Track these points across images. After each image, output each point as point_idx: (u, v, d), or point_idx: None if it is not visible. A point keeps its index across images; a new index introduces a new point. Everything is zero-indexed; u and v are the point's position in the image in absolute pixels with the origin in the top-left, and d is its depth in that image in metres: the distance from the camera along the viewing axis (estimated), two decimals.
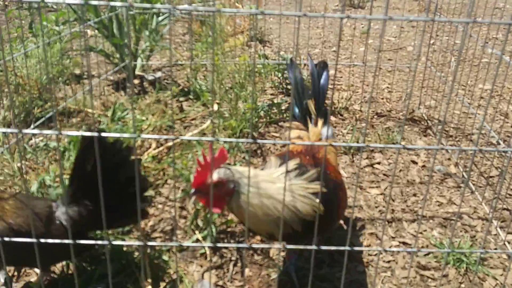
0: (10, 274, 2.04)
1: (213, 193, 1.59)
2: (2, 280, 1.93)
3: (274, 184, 1.68)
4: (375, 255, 2.28)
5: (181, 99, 3.93)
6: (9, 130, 1.33)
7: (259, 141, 1.43)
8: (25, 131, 1.36)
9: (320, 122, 2.21)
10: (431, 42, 4.35)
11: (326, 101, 2.32)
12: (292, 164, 1.80)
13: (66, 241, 1.34)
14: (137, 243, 1.42)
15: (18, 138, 1.60)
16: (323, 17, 1.40)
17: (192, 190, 1.64)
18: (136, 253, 2.10)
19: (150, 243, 1.35)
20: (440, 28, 4.88)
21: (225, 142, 1.68)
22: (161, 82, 4.21)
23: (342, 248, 1.85)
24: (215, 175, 1.61)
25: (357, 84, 4.27)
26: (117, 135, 1.35)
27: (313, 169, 1.78)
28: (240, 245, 1.44)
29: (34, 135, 2.93)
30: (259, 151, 3.08)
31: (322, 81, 2.29)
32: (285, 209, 1.66)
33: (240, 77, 3.63)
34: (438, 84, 3.87)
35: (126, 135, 1.31)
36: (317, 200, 1.68)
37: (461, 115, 3.60)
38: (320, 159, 1.89)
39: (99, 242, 1.50)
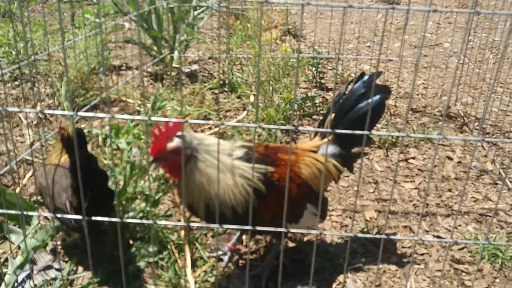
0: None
1: (172, 160, 1.66)
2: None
3: (229, 159, 1.73)
4: (409, 247, 2.29)
5: (216, 91, 4.00)
6: (65, 112, 1.41)
7: (300, 128, 1.48)
8: (80, 113, 1.44)
9: (319, 137, 2.05)
10: (469, 38, 4.30)
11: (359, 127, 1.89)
12: (244, 151, 1.80)
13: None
14: (180, 223, 1.49)
15: (73, 122, 1.70)
16: (368, 8, 1.43)
17: (151, 159, 1.69)
18: (174, 237, 2.18)
19: (192, 224, 1.42)
20: (478, 25, 4.81)
21: (266, 129, 1.73)
22: (197, 74, 4.29)
23: (378, 236, 1.88)
24: (172, 143, 1.66)
25: (392, 80, 4.25)
26: (165, 119, 1.41)
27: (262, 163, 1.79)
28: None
29: (87, 118, 3.05)
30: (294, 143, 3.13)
31: (361, 104, 1.99)
32: (235, 189, 1.71)
33: (278, 69, 3.67)
34: (475, 81, 3.82)
35: (174, 120, 1.37)
36: (249, 190, 1.72)
37: (498, 112, 3.56)
38: (281, 159, 1.84)
39: (145, 221, 1.57)
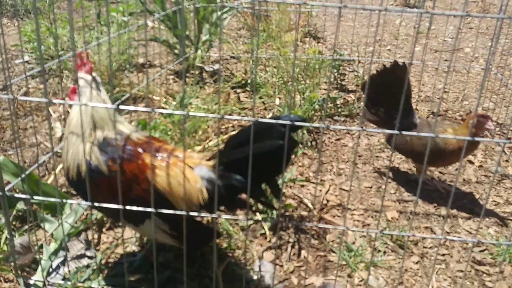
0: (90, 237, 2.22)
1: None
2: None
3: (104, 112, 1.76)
4: (430, 247, 2.33)
5: (238, 90, 4.06)
6: (108, 105, 1.47)
7: (331, 126, 1.54)
8: (122, 107, 1.52)
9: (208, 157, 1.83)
10: (491, 44, 4.31)
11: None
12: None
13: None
14: (209, 215, 1.54)
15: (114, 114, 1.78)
16: (404, 12, 1.48)
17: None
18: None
19: (223, 216, 1.48)
20: (500, 31, 4.81)
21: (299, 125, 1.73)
22: (219, 73, 4.36)
23: (403, 233, 1.93)
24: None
25: (413, 83, 4.27)
26: (203, 115, 1.48)
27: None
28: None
29: (130, 111, 3.18)
30: (314, 143, 3.18)
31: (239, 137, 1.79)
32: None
33: (300, 70, 3.72)
34: (498, 86, 3.84)
35: (211, 115, 1.44)
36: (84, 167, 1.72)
37: None
38: (144, 158, 1.75)
39: (177, 212, 1.63)
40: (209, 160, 1.81)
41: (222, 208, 1.88)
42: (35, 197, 1.81)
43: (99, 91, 1.79)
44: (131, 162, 1.73)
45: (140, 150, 1.76)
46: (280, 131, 1.60)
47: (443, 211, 2.61)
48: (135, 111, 2.96)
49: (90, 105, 1.72)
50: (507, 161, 3.09)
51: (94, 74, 1.80)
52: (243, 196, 1.79)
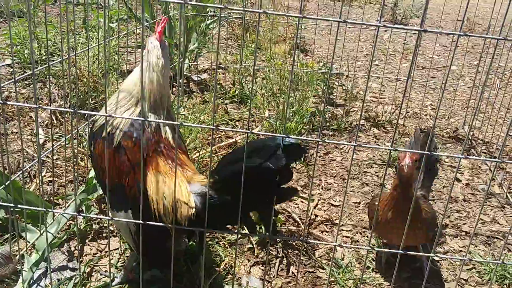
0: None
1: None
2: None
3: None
4: (417, 264, 2.31)
5: (226, 101, 4.03)
6: (99, 114, 1.43)
7: (326, 140, 1.51)
8: (114, 115, 1.47)
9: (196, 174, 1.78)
10: (476, 63, 4.37)
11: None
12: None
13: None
14: (197, 229, 1.50)
15: (107, 121, 1.70)
16: (400, 29, 1.47)
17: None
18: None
19: (209, 230, 1.43)
20: (485, 50, 4.88)
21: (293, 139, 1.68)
22: (206, 83, 4.32)
23: (395, 251, 1.90)
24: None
25: (400, 99, 4.30)
26: (197, 125, 1.44)
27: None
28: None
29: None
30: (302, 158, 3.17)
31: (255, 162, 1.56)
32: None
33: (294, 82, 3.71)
34: (483, 105, 3.88)
35: (204, 126, 1.40)
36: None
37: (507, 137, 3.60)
38: (158, 162, 1.71)
39: (160, 224, 1.59)
40: (202, 176, 1.74)
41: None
42: (19, 206, 1.74)
43: (165, 58, 1.75)
44: (150, 157, 1.69)
45: (159, 148, 1.72)
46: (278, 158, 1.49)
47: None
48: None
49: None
50: (493, 179, 3.12)
51: (163, 38, 1.76)
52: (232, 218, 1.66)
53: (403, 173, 1.90)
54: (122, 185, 1.67)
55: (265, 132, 3.48)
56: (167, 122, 1.69)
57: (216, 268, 2.14)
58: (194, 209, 1.63)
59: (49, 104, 3.04)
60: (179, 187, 1.64)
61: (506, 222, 2.71)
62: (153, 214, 1.64)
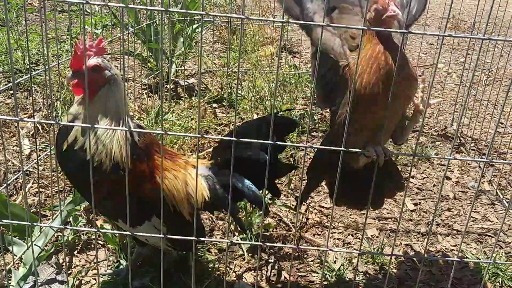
0: None
1: (89, 77, 1.51)
2: None
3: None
4: (409, 264, 2.30)
5: (214, 105, 4.01)
6: (84, 125, 1.40)
7: (314, 146, 1.50)
8: (97, 126, 1.44)
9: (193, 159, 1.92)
10: (462, 60, 4.39)
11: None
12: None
13: None
14: (188, 237, 1.48)
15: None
16: (385, 31, 1.46)
17: (70, 73, 1.65)
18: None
19: (202, 239, 1.42)
20: (471, 47, 4.91)
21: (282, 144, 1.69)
22: (194, 88, 4.30)
23: (387, 254, 1.89)
24: (94, 60, 1.65)
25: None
26: (182, 134, 1.42)
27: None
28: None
29: None
30: (291, 159, 3.15)
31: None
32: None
33: (281, 85, 3.69)
34: (471, 102, 3.89)
35: (191, 134, 1.38)
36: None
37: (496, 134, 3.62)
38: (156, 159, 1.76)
39: (156, 235, 1.56)
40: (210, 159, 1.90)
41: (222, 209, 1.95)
42: (3, 220, 1.71)
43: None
44: (150, 159, 1.74)
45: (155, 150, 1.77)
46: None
47: (422, 228, 2.60)
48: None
49: None
50: (483, 176, 3.12)
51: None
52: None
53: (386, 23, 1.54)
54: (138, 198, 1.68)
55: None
56: (155, 131, 1.66)
57: (207, 277, 2.11)
58: (207, 191, 1.82)
59: (33, 114, 3.01)
60: (190, 176, 1.78)
61: (497, 219, 2.71)
62: (173, 208, 1.77)
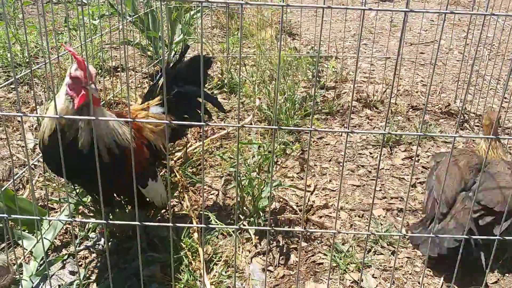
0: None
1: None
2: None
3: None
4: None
5: (215, 91, 3.99)
6: (86, 118, 1.40)
7: (318, 129, 1.49)
8: (101, 119, 1.44)
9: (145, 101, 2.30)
10: (463, 36, 4.34)
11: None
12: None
13: None
14: (197, 225, 1.49)
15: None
16: (385, 10, 1.44)
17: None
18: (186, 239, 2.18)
19: (210, 225, 1.42)
20: (472, 22, 4.85)
21: (286, 129, 1.70)
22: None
23: (395, 234, 1.90)
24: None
25: (390, 77, 4.28)
26: (186, 123, 1.41)
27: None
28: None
29: None
30: (296, 143, 3.15)
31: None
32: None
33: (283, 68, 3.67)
34: (473, 78, 3.86)
35: (194, 123, 1.37)
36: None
37: (500, 109, 3.60)
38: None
39: (163, 224, 1.57)
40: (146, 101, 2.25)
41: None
42: (13, 216, 1.72)
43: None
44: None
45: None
46: None
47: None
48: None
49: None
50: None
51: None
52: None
53: None
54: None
55: (257, 119, 3.46)
56: (158, 121, 1.66)
57: (217, 262, 2.13)
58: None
59: (35, 108, 3.00)
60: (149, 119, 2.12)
61: None
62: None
